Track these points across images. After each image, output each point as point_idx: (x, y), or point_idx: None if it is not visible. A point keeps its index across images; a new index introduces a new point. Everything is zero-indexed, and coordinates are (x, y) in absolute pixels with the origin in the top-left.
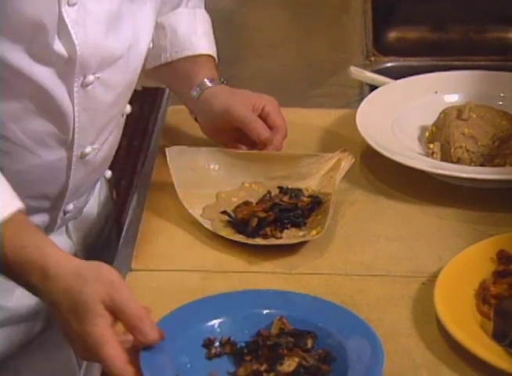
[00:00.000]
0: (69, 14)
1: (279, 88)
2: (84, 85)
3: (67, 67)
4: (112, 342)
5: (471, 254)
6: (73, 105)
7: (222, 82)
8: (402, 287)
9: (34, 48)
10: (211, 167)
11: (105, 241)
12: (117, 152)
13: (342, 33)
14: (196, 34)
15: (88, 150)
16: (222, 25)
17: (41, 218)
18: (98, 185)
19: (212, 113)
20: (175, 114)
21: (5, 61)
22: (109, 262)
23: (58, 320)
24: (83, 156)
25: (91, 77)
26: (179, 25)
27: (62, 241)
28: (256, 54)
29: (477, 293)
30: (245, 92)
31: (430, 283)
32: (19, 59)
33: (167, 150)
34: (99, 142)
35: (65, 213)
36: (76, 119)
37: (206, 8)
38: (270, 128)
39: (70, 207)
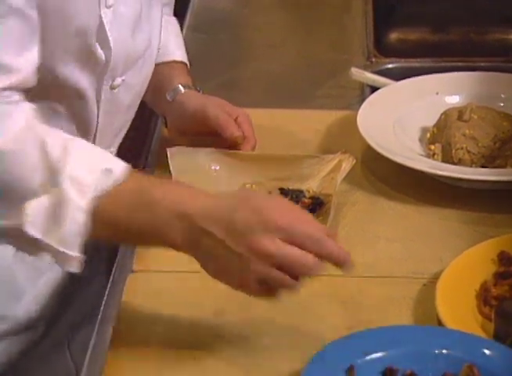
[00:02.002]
0: (107, 15)
1: (279, 89)
2: (112, 88)
3: (101, 70)
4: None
5: (472, 255)
6: (98, 108)
7: (197, 90)
8: (403, 288)
9: (78, 54)
10: (212, 167)
11: (97, 241)
12: (117, 153)
13: (343, 34)
14: (171, 41)
15: None
16: (223, 26)
17: None
18: None
19: (185, 113)
20: None
21: (52, 68)
22: (103, 263)
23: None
24: None
25: (119, 80)
26: None
27: None
28: (256, 55)
29: (478, 294)
30: (220, 99)
31: (432, 285)
32: (64, 66)
33: (167, 150)
34: (114, 146)
35: None
36: (99, 122)
37: (206, 8)
38: None
39: None
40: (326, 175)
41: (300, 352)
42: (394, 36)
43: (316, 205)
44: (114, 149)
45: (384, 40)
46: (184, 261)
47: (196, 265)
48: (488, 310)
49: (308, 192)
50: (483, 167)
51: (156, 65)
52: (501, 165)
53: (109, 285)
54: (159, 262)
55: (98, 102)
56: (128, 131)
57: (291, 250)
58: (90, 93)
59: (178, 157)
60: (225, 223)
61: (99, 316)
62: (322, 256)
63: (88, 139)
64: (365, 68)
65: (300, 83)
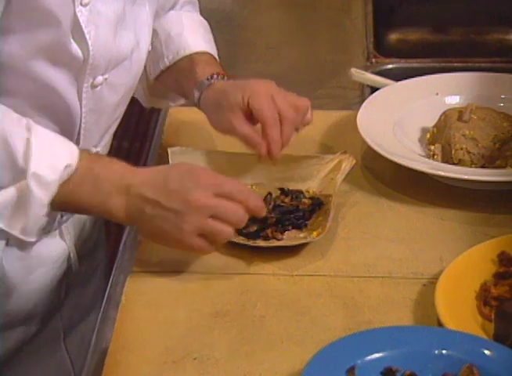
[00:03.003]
0: (82, 13)
1: None
2: (93, 86)
3: (80, 68)
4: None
5: (472, 255)
6: (81, 106)
7: (223, 78)
8: (403, 288)
9: (51, 50)
10: (212, 168)
11: (96, 242)
12: (118, 153)
13: (343, 35)
14: (188, 33)
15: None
16: (223, 27)
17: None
18: None
19: (223, 107)
20: (176, 115)
21: (22, 63)
22: (102, 262)
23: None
24: None
25: (100, 78)
26: (171, 27)
27: (56, 244)
28: (257, 55)
29: (478, 295)
30: (238, 84)
31: (432, 285)
32: (36, 61)
33: (168, 150)
34: (101, 146)
35: (62, 215)
36: (83, 120)
37: (206, 10)
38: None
39: None
40: (326, 175)
41: (300, 352)
42: (394, 37)
43: (316, 205)
44: (101, 148)
45: (383, 40)
46: (184, 262)
47: (196, 267)
48: (488, 311)
49: (308, 192)
50: (483, 167)
51: (175, 64)
52: (501, 166)
53: (109, 285)
54: (159, 262)
55: (80, 101)
56: (128, 131)
57: (223, 200)
58: (70, 91)
59: (179, 157)
60: (160, 186)
61: (99, 316)
62: (249, 206)
63: (72, 138)
64: (365, 69)
65: (300, 83)
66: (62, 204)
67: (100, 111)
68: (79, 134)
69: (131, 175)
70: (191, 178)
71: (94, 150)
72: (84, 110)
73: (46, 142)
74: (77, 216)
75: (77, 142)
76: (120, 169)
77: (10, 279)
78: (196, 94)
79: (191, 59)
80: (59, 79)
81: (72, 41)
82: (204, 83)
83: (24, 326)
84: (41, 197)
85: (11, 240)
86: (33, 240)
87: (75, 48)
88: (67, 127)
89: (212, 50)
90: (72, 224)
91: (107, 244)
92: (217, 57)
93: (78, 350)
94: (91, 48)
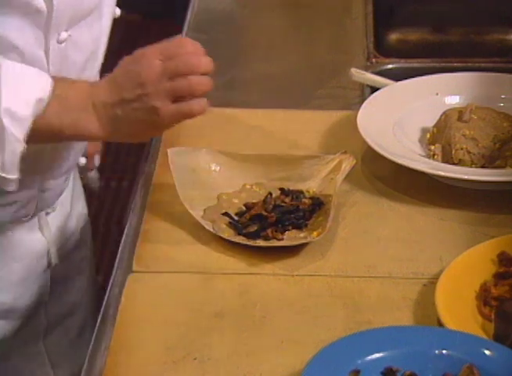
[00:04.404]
0: None
1: (280, 90)
2: (58, 42)
3: (44, 23)
4: None
5: (472, 255)
6: (48, 65)
7: None
8: (403, 288)
9: (16, 3)
10: (213, 168)
11: (79, 239)
12: (117, 153)
13: (343, 35)
14: None
15: None
16: (223, 26)
17: (19, 197)
18: (70, 183)
19: None
20: None
21: None
22: (85, 260)
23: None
24: None
25: (64, 34)
26: None
27: (36, 239)
28: (257, 55)
29: (478, 295)
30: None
31: (432, 285)
32: (2, 17)
33: (168, 150)
34: None
35: (43, 191)
36: None
37: (206, 10)
38: None
39: (48, 184)
40: (326, 175)
41: (300, 352)
42: (394, 37)
43: (316, 205)
44: None
45: (384, 40)
46: (184, 261)
47: (196, 266)
48: (488, 311)
49: (308, 192)
50: (483, 167)
51: None
52: (501, 166)
53: (109, 285)
54: (159, 262)
55: (47, 58)
56: None
57: (171, 60)
58: (36, 47)
59: (179, 158)
60: (115, 85)
61: (100, 317)
62: (197, 53)
63: None
64: (365, 69)
65: (300, 83)
66: (35, 136)
67: (66, 71)
68: None
69: (92, 90)
70: (135, 61)
71: None
72: (51, 68)
73: (17, 77)
74: (59, 212)
75: None
76: (84, 87)
77: None
78: None
79: None
80: (26, 34)
81: None
82: None
83: (5, 320)
84: (16, 133)
85: None
86: (15, 176)
87: (39, 1)
88: None
89: None
90: (52, 218)
91: (104, 242)
92: None
93: (59, 349)
94: (54, 2)
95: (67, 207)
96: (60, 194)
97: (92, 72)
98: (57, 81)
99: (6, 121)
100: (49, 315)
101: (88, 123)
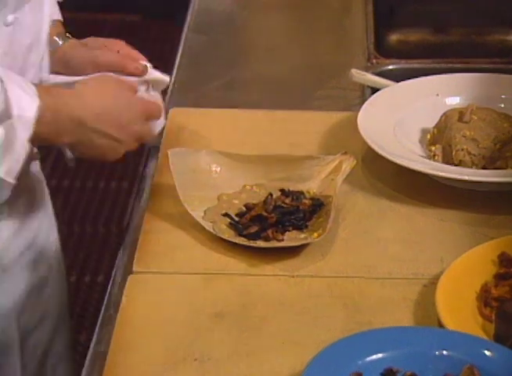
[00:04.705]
0: None
1: (280, 91)
2: (6, 25)
3: None
4: None
5: (473, 256)
6: None
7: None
8: (403, 289)
9: None
10: (213, 169)
11: (45, 244)
12: None
13: (343, 35)
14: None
15: None
16: (223, 27)
17: None
18: (30, 182)
19: (71, 66)
20: (177, 116)
21: None
22: (55, 266)
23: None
24: None
25: (11, 17)
26: None
27: None
28: (257, 56)
29: (478, 295)
30: (95, 40)
31: (432, 286)
32: None
33: (168, 151)
34: None
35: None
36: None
37: (206, 10)
38: None
39: None
40: (326, 176)
41: (300, 353)
42: (394, 37)
43: (317, 206)
44: None
45: (384, 41)
46: (184, 262)
47: (196, 267)
48: (488, 311)
49: (309, 193)
50: (483, 168)
51: None
52: (501, 166)
53: (109, 286)
54: (159, 263)
55: None
56: None
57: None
58: None
59: (179, 158)
60: (102, 116)
61: (100, 317)
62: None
63: None
64: (365, 69)
65: (300, 84)
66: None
67: (13, 53)
68: None
69: (81, 107)
70: (126, 103)
71: None
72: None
73: (17, 83)
74: (15, 206)
75: None
76: (71, 101)
77: None
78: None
79: None
80: None
81: None
82: (56, 41)
83: None
84: (24, 136)
85: None
86: (14, 181)
87: None
88: None
89: (60, 17)
90: (8, 216)
91: (104, 243)
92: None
93: (32, 356)
94: None
95: (25, 203)
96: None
97: (38, 55)
98: (47, 93)
99: (17, 125)
100: (21, 322)
101: (64, 137)
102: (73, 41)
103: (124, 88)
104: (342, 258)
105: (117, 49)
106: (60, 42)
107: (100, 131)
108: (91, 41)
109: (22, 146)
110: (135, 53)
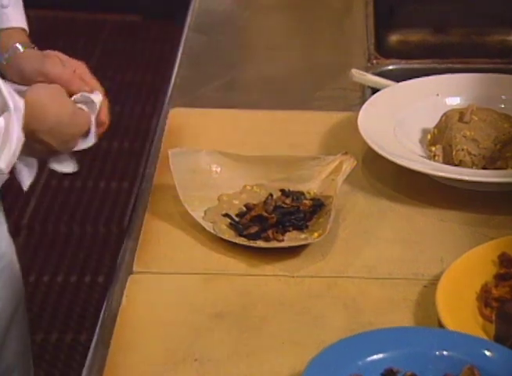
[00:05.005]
0: None
1: (280, 91)
2: None
3: None
4: None
5: (473, 256)
6: None
7: (33, 48)
8: (403, 289)
9: None
10: (213, 169)
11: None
12: (118, 154)
13: (344, 36)
14: (7, 8)
15: None
16: (223, 27)
17: None
18: None
19: (23, 73)
20: (177, 116)
21: None
22: (7, 268)
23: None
24: None
25: None
26: None
27: None
28: (257, 56)
29: (479, 296)
30: (56, 53)
31: (432, 286)
32: None
33: (169, 151)
34: None
35: None
36: None
37: (206, 11)
38: None
39: None
40: (326, 176)
41: (300, 353)
42: (394, 38)
43: (317, 207)
44: None
45: (384, 41)
46: (184, 262)
47: (197, 267)
48: (488, 312)
49: (309, 193)
50: (484, 168)
51: None
52: (502, 167)
53: (109, 286)
54: (159, 263)
55: None
56: (129, 132)
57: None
58: None
59: (179, 159)
60: (54, 130)
61: (100, 317)
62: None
63: None
64: (366, 70)
65: (300, 84)
66: None
67: None
68: None
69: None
70: (77, 121)
71: None
72: None
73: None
74: None
75: None
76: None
77: None
78: (6, 56)
79: (6, 33)
80: None
81: None
82: (17, 48)
83: None
84: (18, 128)
85: None
86: (6, 172)
87: None
88: None
89: (26, 26)
90: None
91: (104, 243)
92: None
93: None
94: None
95: None
96: None
97: None
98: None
99: (14, 116)
100: None
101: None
102: (33, 51)
103: (71, 102)
104: (342, 259)
105: (73, 69)
106: (21, 50)
107: (45, 143)
108: (52, 54)
109: (18, 139)
110: (90, 79)
